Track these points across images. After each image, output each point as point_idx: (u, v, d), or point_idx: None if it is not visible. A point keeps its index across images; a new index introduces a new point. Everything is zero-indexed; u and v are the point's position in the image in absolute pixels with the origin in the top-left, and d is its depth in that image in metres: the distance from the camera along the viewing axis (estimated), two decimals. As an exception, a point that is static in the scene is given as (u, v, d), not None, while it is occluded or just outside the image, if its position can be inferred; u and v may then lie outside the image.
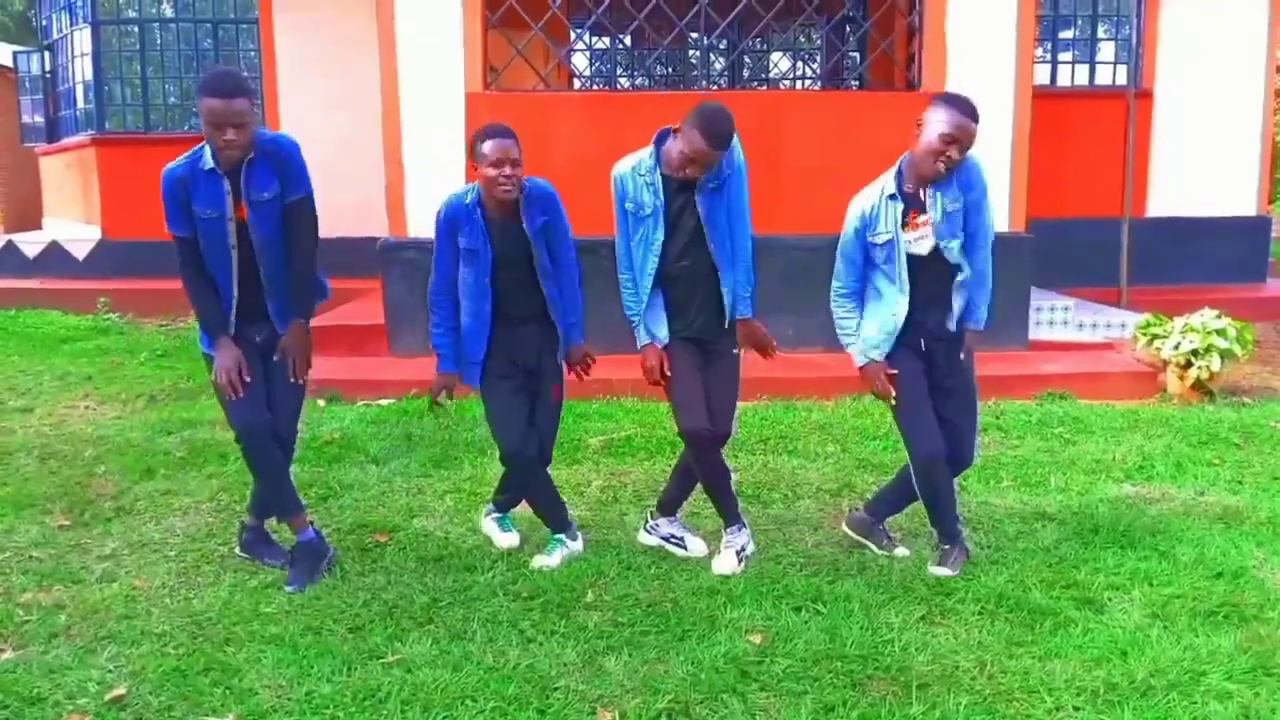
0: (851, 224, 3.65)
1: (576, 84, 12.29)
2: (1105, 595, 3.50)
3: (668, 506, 4.01)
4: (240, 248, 3.53)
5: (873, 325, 3.68)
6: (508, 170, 3.55)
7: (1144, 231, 8.95)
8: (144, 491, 4.68)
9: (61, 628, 3.33)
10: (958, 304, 3.64)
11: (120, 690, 2.92)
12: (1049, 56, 9.91)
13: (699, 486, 3.93)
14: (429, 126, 6.92)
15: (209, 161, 3.46)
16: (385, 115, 7.02)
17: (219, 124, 3.35)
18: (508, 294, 3.72)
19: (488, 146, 3.56)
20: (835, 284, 3.75)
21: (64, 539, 4.12)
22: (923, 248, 3.59)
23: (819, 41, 13.64)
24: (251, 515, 3.92)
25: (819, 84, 12.91)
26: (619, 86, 12.00)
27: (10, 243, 11.36)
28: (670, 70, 13.60)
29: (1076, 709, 2.82)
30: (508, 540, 4.01)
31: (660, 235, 3.63)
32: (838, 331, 3.79)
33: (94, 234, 10.84)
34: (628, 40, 12.65)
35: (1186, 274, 9.31)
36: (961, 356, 3.71)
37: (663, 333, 3.72)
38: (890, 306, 3.64)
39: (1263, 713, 2.79)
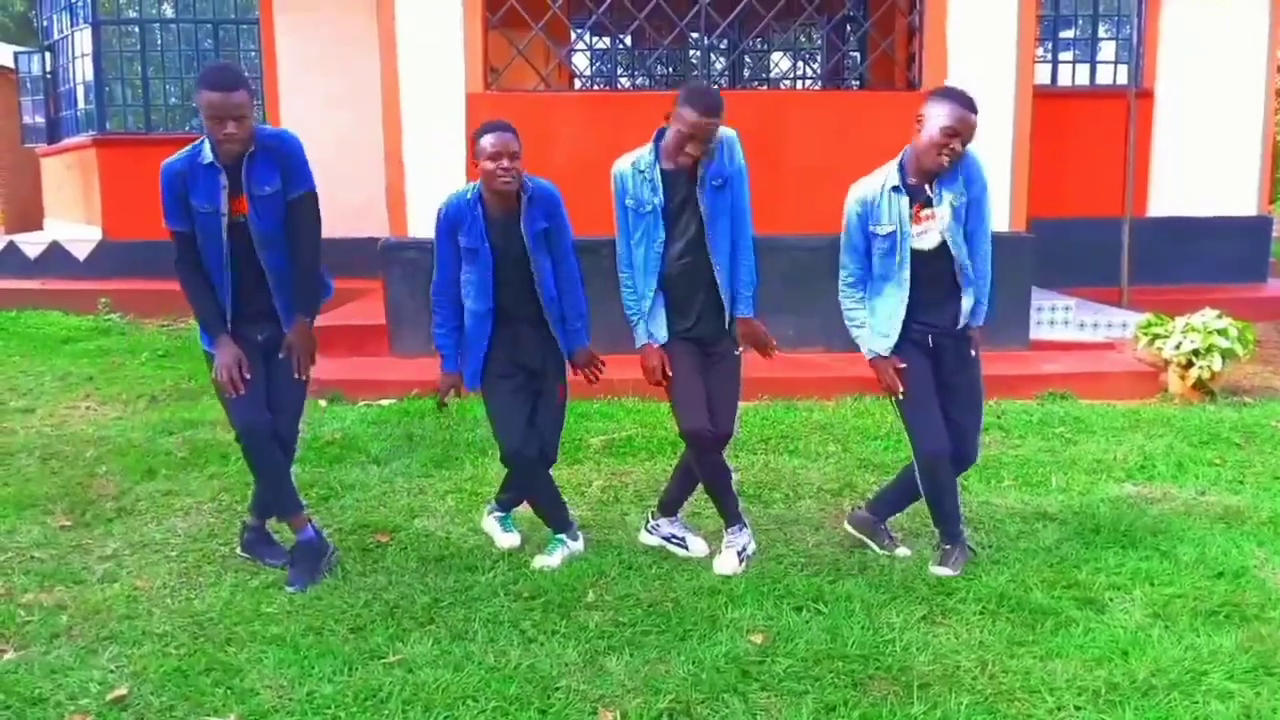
0: (852, 210, 3.64)
1: (577, 84, 12.29)
2: (1106, 595, 3.50)
3: (669, 506, 4.01)
4: (236, 244, 3.52)
5: (876, 319, 3.68)
6: (505, 163, 3.55)
7: (1145, 231, 8.94)
8: (145, 492, 4.68)
9: (63, 628, 3.33)
10: (966, 301, 3.64)
11: (122, 690, 2.93)
12: (1050, 56, 9.91)
13: (700, 486, 3.93)
14: (429, 126, 6.93)
15: (208, 155, 3.46)
16: (386, 115, 7.02)
17: (219, 117, 3.35)
18: (508, 293, 3.71)
19: (486, 140, 3.57)
20: (842, 274, 3.74)
21: (65, 539, 4.12)
22: (928, 242, 3.58)
23: (819, 41, 13.65)
24: (253, 515, 3.92)
25: (819, 84, 12.92)
26: (619, 86, 12.01)
27: (11, 243, 11.36)
28: (671, 70, 13.60)
29: (1078, 709, 2.82)
30: (509, 540, 4.01)
31: (661, 233, 3.63)
32: (847, 323, 3.77)
33: (95, 234, 10.85)
34: (628, 40, 12.66)
35: (1187, 274, 9.31)
36: (972, 353, 3.71)
37: (662, 333, 3.72)
38: (890, 301, 3.63)
39: (1264, 712, 2.79)
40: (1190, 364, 6.17)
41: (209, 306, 3.60)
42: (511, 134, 3.59)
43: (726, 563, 3.76)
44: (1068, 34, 10.15)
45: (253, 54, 10.77)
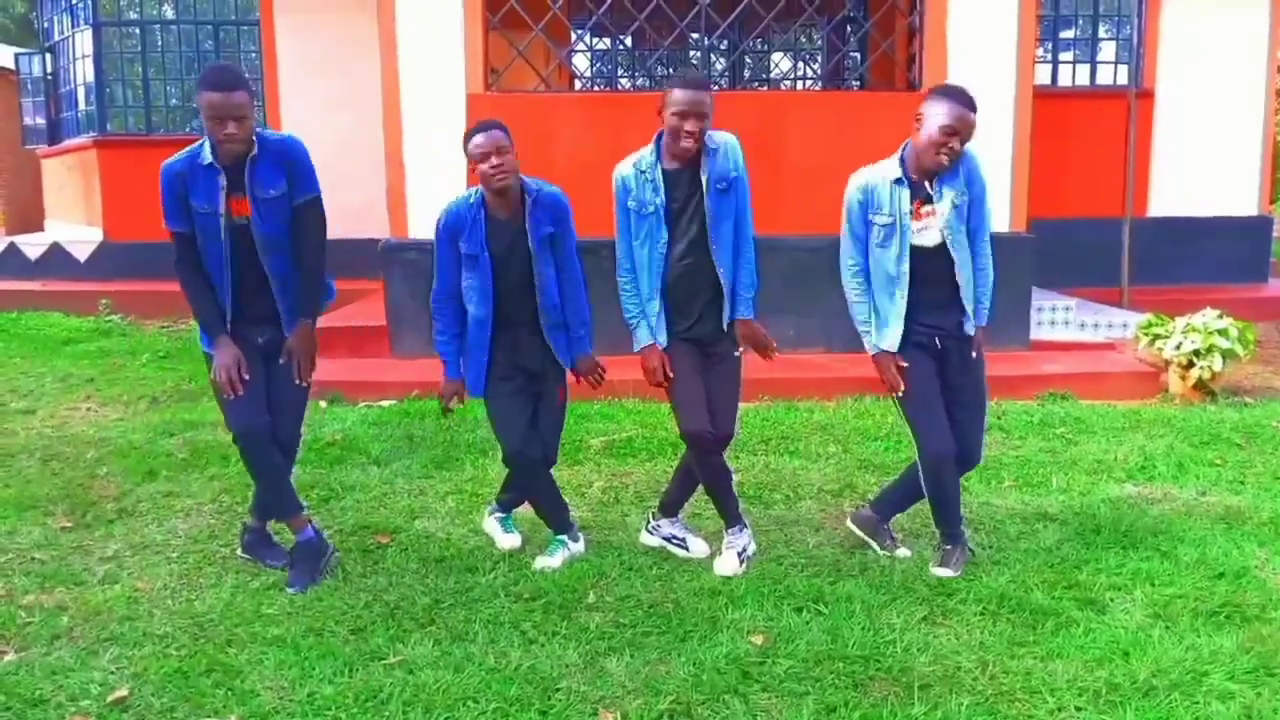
0: (854, 197, 3.63)
1: (577, 85, 12.29)
2: (1107, 595, 3.50)
3: (669, 507, 4.01)
4: (236, 245, 3.52)
5: (879, 317, 3.67)
6: (495, 160, 3.54)
7: (1145, 231, 8.95)
8: (146, 493, 4.68)
9: (64, 629, 3.33)
10: (969, 303, 3.64)
11: (122, 692, 2.93)
12: (1050, 56, 9.91)
13: (701, 488, 3.93)
14: (430, 127, 6.93)
15: (207, 156, 3.46)
16: (386, 116, 7.02)
17: (219, 117, 3.36)
18: (509, 297, 3.71)
19: (475, 141, 3.57)
20: (845, 261, 3.71)
21: (66, 541, 4.12)
22: (928, 239, 3.58)
23: (820, 42, 13.64)
24: (253, 517, 3.92)
25: (820, 84, 12.92)
26: (620, 87, 12.00)
27: (12, 245, 11.37)
28: (671, 71, 13.59)
29: (1078, 709, 2.82)
30: (509, 541, 4.01)
31: (664, 234, 3.63)
32: (853, 315, 3.74)
33: (95, 236, 10.86)
34: (628, 41, 12.66)
35: (1188, 274, 9.32)
36: (975, 355, 3.71)
37: (663, 335, 3.72)
38: (892, 297, 3.62)
39: (1265, 713, 2.79)
40: (1191, 364, 6.17)
41: (209, 307, 3.60)
42: (500, 131, 3.58)
43: (727, 564, 3.76)
44: (1068, 34, 10.15)
45: (253, 55, 10.78)
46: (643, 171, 3.62)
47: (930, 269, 3.60)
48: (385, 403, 6.19)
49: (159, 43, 11.60)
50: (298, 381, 3.66)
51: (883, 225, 3.59)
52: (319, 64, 9.68)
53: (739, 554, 3.78)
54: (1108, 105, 9.17)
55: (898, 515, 4.03)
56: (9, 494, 4.67)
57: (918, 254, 3.59)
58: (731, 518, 3.84)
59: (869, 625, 3.29)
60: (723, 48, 11.91)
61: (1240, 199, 9.61)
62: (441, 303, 3.76)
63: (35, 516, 4.39)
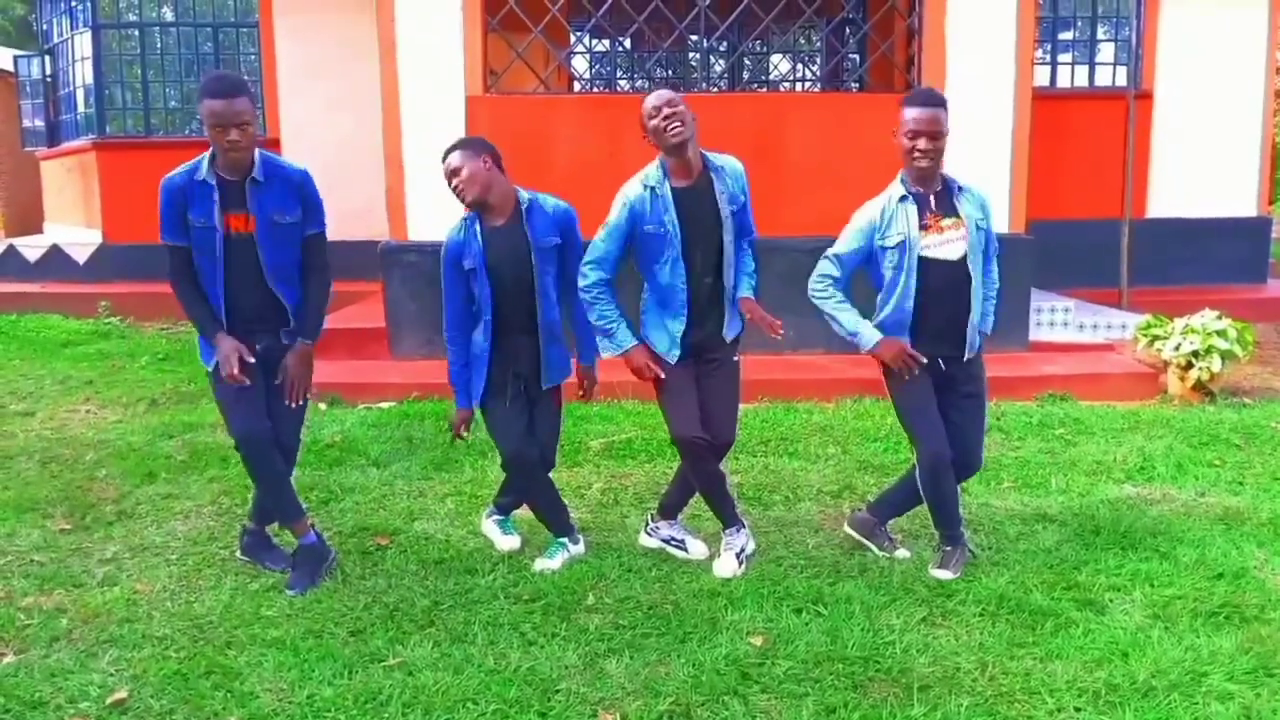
0: (858, 229, 3.62)
1: (576, 86, 12.30)
2: (1106, 596, 3.50)
3: (669, 509, 4.01)
4: (231, 258, 3.52)
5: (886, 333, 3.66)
6: (453, 182, 3.63)
7: (1144, 232, 8.95)
8: (145, 495, 4.68)
9: (63, 631, 3.33)
10: (974, 328, 3.63)
11: (122, 694, 2.93)
12: (1049, 58, 9.92)
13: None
14: (429, 129, 6.93)
15: (203, 172, 3.48)
16: (385, 118, 7.03)
17: (222, 125, 3.36)
18: (508, 303, 3.70)
19: (444, 167, 3.66)
20: (817, 282, 3.70)
21: (65, 543, 4.12)
22: (952, 252, 3.57)
23: (819, 44, 13.66)
24: (253, 520, 3.92)
25: (819, 86, 12.92)
26: (619, 89, 12.01)
27: (11, 247, 11.38)
28: (670, 73, 13.61)
29: (1078, 710, 2.82)
30: (509, 543, 4.01)
31: (683, 262, 3.60)
32: (840, 322, 3.67)
33: (95, 238, 10.85)
34: (627, 43, 12.67)
35: (1187, 275, 9.32)
36: (973, 357, 3.72)
37: (633, 339, 3.70)
38: (897, 313, 3.62)
39: (1264, 713, 2.79)
40: (1190, 365, 6.18)
41: (205, 311, 3.58)
42: (456, 149, 3.65)
43: (726, 565, 3.76)
44: (1067, 36, 10.16)
45: (252, 57, 10.79)
46: (652, 188, 3.61)
47: (944, 284, 3.57)
48: (384, 404, 6.19)
49: (158, 45, 11.61)
50: (288, 403, 3.66)
51: (894, 246, 3.57)
52: (318, 66, 9.68)
53: (738, 555, 3.78)
54: (1106, 106, 9.18)
55: (896, 518, 4.03)
56: (8, 496, 4.67)
57: (935, 268, 3.56)
58: (729, 519, 3.84)
59: (868, 626, 3.29)
60: (722, 49, 11.92)
61: (1239, 200, 9.61)
62: (453, 331, 3.76)
63: (34, 519, 4.39)
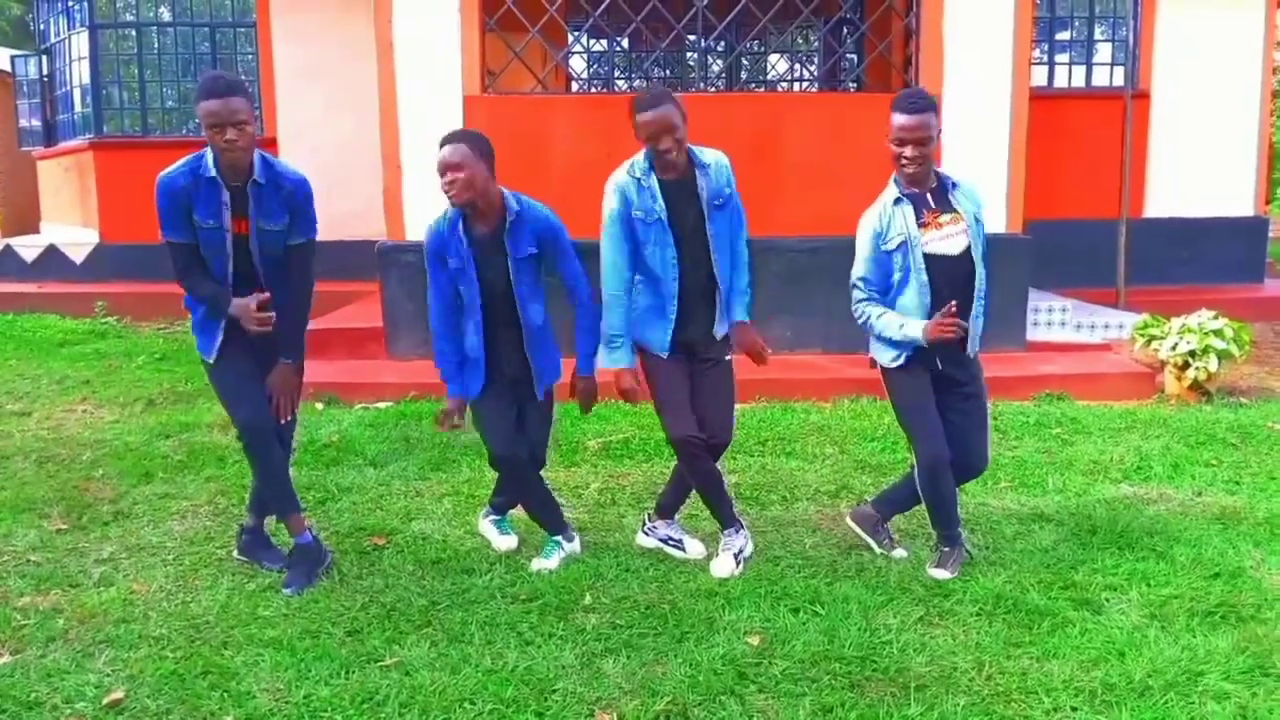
0: (866, 242, 3.61)
1: (574, 86, 12.30)
2: (1103, 596, 3.51)
3: (666, 509, 4.01)
4: (239, 257, 3.53)
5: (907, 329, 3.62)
6: (448, 177, 3.52)
7: (1141, 232, 8.96)
8: (142, 495, 4.68)
9: (59, 631, 3.33)
10: (976, 323, 3.64)
11: (118, 694, 2.92)
12: (1046, 58, 9.93)
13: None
14: (427, 129, 6.91)
15: (210, 169, 3.45)
16: (383, 118, 7.02)
17: (219, 125, 3.35)
18: (494, 309, 3.68)
19: (439, 154, 3.55)
20: (856, 311, 3.66)
21: (61, 542, 4.12)
22: (954, 246, 3.56)
23: (816, 43, 13.66)
24: (251, 515, 3.92)
25: (816, 86, 12.93)
26: (617, 89, 12.01)
27: (8, 247, 11.36)
28: (668, 72, 13.63)
29: (1074, 709, 2.82)
30: (506, 542, 4.01)
31: (671, 240, 3.61)
32: (891, 341, 3.60)
33: (92, 238, 10.85)
34: (625, 43, 12.67)
35: (1184, 275, 9.34)
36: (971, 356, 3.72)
37: (630, 356, 3.69)
38: (912, 307, 3.60)
39: (1260, 713, 2.80)
40: (1186, 365, 6.18)
41: (217, 288, 3.54)
42: (453, 145, 3.54)
43: (723, 565, 3.76)
44: (1064, 36, 10.17)
45: (250, 57, 10.78)
46: (638, 179, 3.61)
47: (948, 279, 3.56)
48: (382, 404, 6.18)
49: (155, 45, 11.59)
50: (275, 418, 3.65)
51: (896, 248, 3.57)
52: (316, 66, 9.68)
53: (735, 555, 3.78)
54: (1104, 106, 9.18)
55: (896, 516, 4.03)
56: (4, 496, 4.66)
57: (938, 264, 3.56)
58: (727, 519, 3.84)
59: (865, 626, 3.29)
60: (719, 49, 11.92)
61: (1236, 200, 9.63)
62: (439, 321, 3.73)
63: (31, 518, 4.39)
